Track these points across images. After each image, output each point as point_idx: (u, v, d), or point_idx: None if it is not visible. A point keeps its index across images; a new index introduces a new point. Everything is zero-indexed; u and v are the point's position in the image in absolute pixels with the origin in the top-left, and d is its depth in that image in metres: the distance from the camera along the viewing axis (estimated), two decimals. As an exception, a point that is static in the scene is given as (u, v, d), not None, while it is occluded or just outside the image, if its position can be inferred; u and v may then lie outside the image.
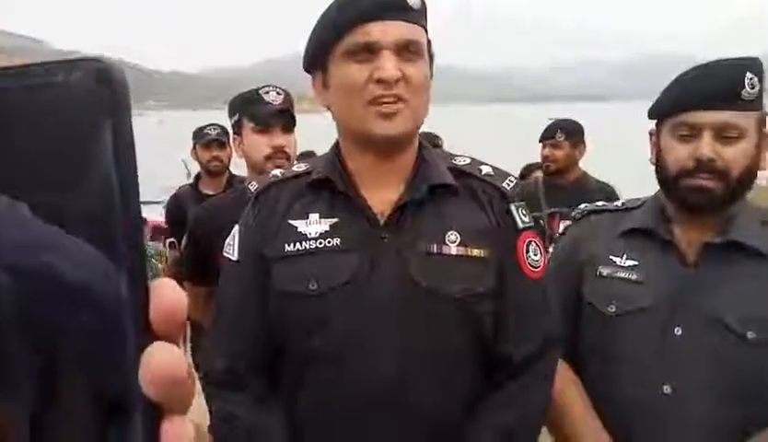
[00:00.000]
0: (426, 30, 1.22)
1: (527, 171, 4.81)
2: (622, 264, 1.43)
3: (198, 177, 3.82)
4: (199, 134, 3.74)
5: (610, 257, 1.45)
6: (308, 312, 1.21)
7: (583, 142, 3.85)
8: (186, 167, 7.77)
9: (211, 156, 3.64)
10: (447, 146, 3.96)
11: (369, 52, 1.16)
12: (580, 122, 4.06)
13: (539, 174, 4.09)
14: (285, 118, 2.17)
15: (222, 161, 3.64)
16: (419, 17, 1.19)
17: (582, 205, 1.62)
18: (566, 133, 3.80)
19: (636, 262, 1.42)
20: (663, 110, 1.42)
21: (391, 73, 1.14)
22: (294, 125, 2.21)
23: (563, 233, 1.67)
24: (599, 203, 1.60)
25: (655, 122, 1.47)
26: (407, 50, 1.16)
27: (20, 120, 0.30)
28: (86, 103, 0.29)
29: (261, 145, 2.13)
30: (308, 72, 1.30)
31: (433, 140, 4.40)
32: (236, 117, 2.22)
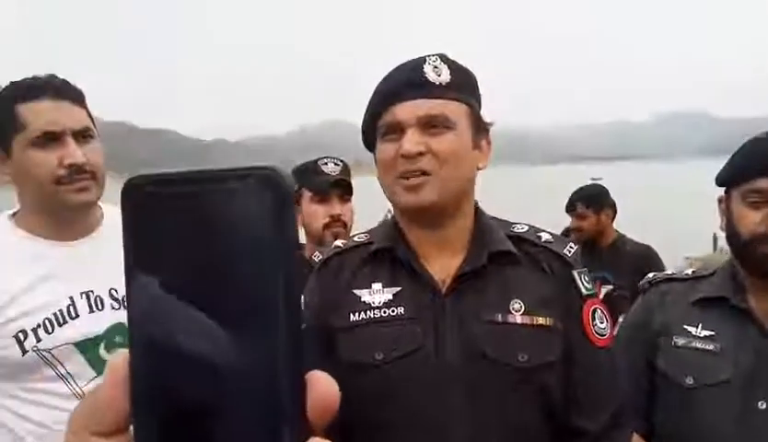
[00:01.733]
0: (465, 102, 1.25)
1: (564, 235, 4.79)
2: (697, 334, 1.39)
3: None
4: None
5: (685, 326, 1.41)
6: (374, 383, 1.20)
7: (609, 205, 3.84)
8: None
9: None
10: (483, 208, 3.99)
11: (397, 130, 1.22)
12: (603, 185, 4.06)
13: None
14: (341, 187, 2.23)
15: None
16: (449, 91, 1.22)
17: (650, 274, 1.59)
18: (587, 203, 3.80)
19: (713, 332, 1.38)
20: (733, 178, 1.41)
21: (411, 148, 1.19)
22: (351, 194, 2.26)
23: (605, 298, 1.63)
24: (669, 272, 1.57)
25: (723, 189, 1.46)
26: (432, 125, 1.20)
27: (193, 223, 0.32)
28: (255, 208, 0.32)
29: (319, 214, 2.19)
30: (368, 149, 1.35)
31: None
32: (295, 188, 2.27)
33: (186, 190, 0.33)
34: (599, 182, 4.47)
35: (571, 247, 1.30)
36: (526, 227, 1.33)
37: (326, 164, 2.27)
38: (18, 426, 1.34)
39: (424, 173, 1.20)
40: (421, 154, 1.19)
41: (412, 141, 1.19)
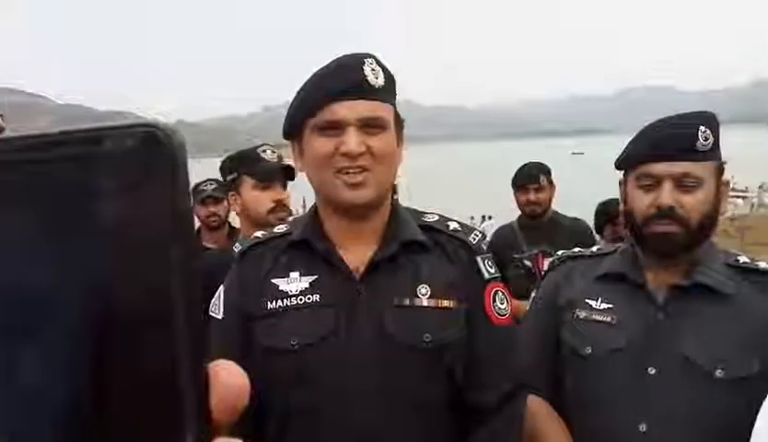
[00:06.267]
0: (392, 104, 1.32)
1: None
2: (597, 307, 1.51)
3: (199, 230, 3.84)
4: (195, 191, 3.77)
5: (587, 300, 1.53)
6: (289, 367, 1.27)
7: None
8: None
9: (208, 211, 3.70)
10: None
11: (336, 128, 1.26)
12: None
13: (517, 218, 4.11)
14: (283, 174, 2.34)
15: (219, 216, 3.70)
16: (384, 94, 1.29)
17: (559, 252, 1.71)
18: (547, 176, 3.88)
19: (611, 305, 1.50)
20: (628, 162, 1.53)
21: (354, 147, 1.24)
22: (293, 179, 2.36)
23: (546, 273, 1.74)
24: (576, 250, 1.68)
25: (622, 173, 1.57)
26: (370, 125, 1.27)
27: (60, 198, 0.26)
28: (139, 171, 0.26)
29: (263, 199, 2.31)
30: (287, 139, 1.40)
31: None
32: (234, 175, 2.36)
33: (38, 156, 0.26)
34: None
35: (476, 234, 1.40)
36: (436, 217, 1.42)
37: (264, 151, 2.38)
38: None
39: (365, 169, 1.26)
40: (361, 153, 1.26)
41: (356, 140, 1.25)
